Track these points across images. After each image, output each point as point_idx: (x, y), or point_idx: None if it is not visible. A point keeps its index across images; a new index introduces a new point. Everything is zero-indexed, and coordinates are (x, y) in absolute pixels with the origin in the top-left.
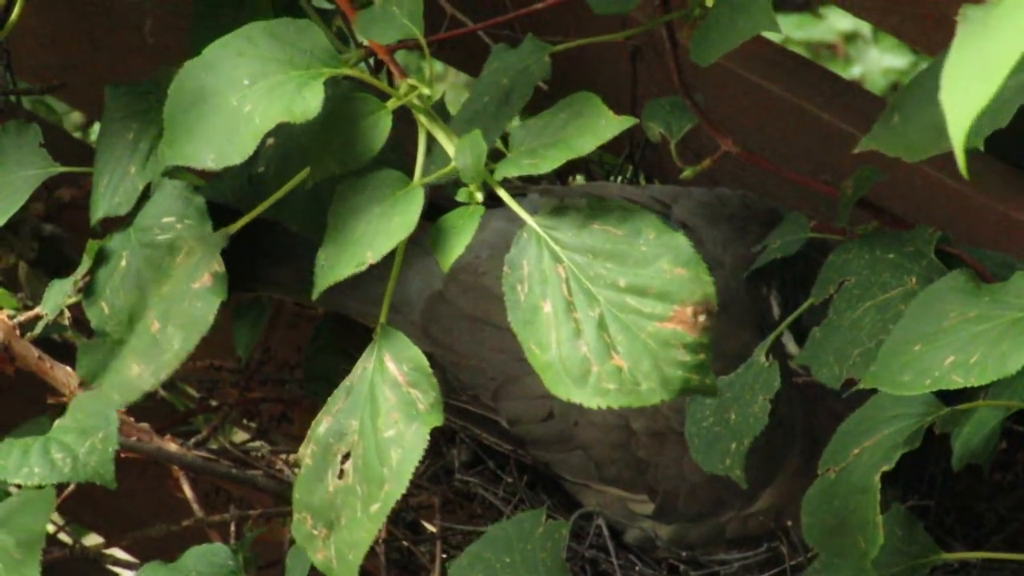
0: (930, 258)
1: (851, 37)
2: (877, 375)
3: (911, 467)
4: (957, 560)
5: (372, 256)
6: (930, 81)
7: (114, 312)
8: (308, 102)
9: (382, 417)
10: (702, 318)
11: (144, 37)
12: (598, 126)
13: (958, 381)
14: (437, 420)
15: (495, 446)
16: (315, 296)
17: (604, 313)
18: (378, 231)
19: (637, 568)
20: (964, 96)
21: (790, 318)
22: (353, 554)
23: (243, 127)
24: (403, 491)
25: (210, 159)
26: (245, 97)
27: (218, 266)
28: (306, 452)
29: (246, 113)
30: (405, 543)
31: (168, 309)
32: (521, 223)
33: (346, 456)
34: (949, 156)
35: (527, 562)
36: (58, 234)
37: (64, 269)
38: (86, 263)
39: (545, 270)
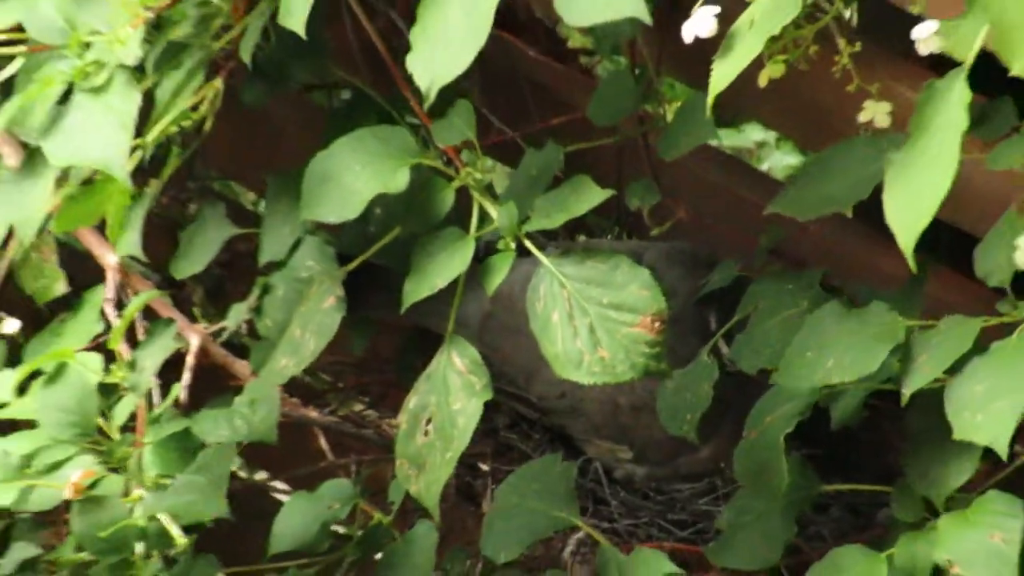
0: (817, 289)
1: (762, 144)
2: (783, 373)
3: (806, 429)
4: (833, 490)
5: (440, 283)
6: (814, 167)
7: (273, 324)
8: (399, 180)
9: (451, 395)
10: (658, 324)
11: (292, 140)
12: (590, 197)
13: (837, 378)
14: (488, 396)
15: (527, 414)
16: (403, 311)
17: (593, 321)
18: (444, 267)
19: (621, 495)
20: (908, 221)
21: (723, 329)
22: (435, 487)
23: (354, 196)
24: (466, 445)
25: (332, 216)
26: (357, 176)
27: (340, 292)
28: (402, 419)
29: (357, 187)
30: (467, 479)
31: (306, 321)
32: (540, 263)
33: (428, 421)
34: (833, 217)
35: (548, 489)
36: (222, 274)
37: (223, 295)
38: (255, 292)
39: (555, 293)
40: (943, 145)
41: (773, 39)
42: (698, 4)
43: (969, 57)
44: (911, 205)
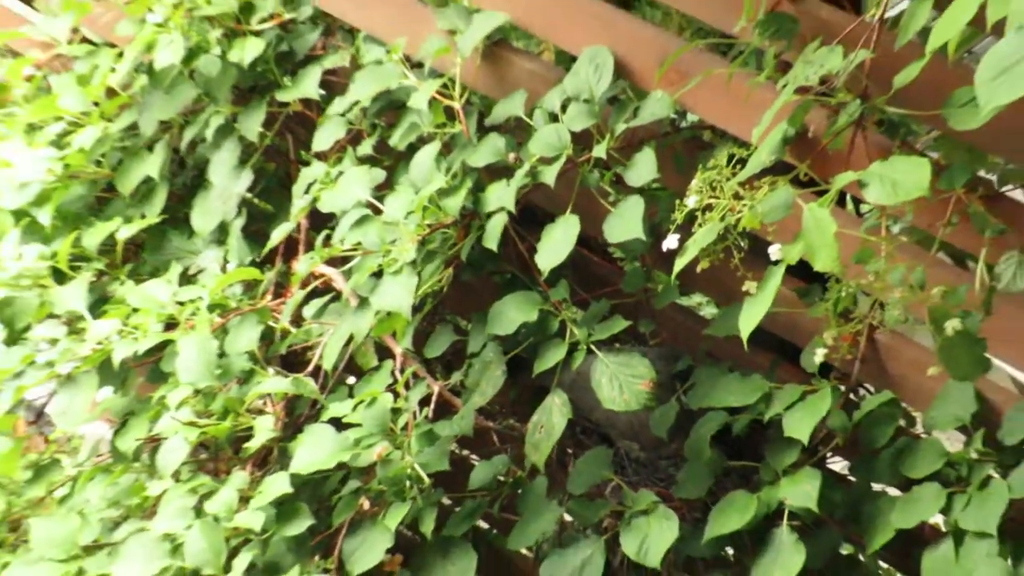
0: (725, 369)
1: (700, 303)
2: (710, 403)
3: (722, 436)
4: (733, 465)
5: (551, 364)
6: (726, 313)
7: (472, 382)
8: (532, 315)
9: (552, 415)
10: (651, 385)
11: (484, 295)
12: (620, 325)
13: (736, 404)
14: (569, 416)
15: (589, 427)
16: (533, 375)
17: (621, 383)
18: (553, 356)
19: (633, 466)
20: (746, 326)
21: (682, 388)
22: (543, 458)
23: (512, 322)
24: (557, 438)
25: (500, 331)
26: (514, 313)
27: (503, 368)
28: (529, 426)
29: (513, 317)
30: (560, 457)
31: (487, 381)
32: (597, 356)
33: (541, 427)
34: (735, 336)
35: (599, 462)
36: (451, 358)
37: (451, 367)
38: (465, 367)
39: (603, 369)
40: (767, 295)
41: (703, 249)
42: (670, 232)
43: (794, 258)
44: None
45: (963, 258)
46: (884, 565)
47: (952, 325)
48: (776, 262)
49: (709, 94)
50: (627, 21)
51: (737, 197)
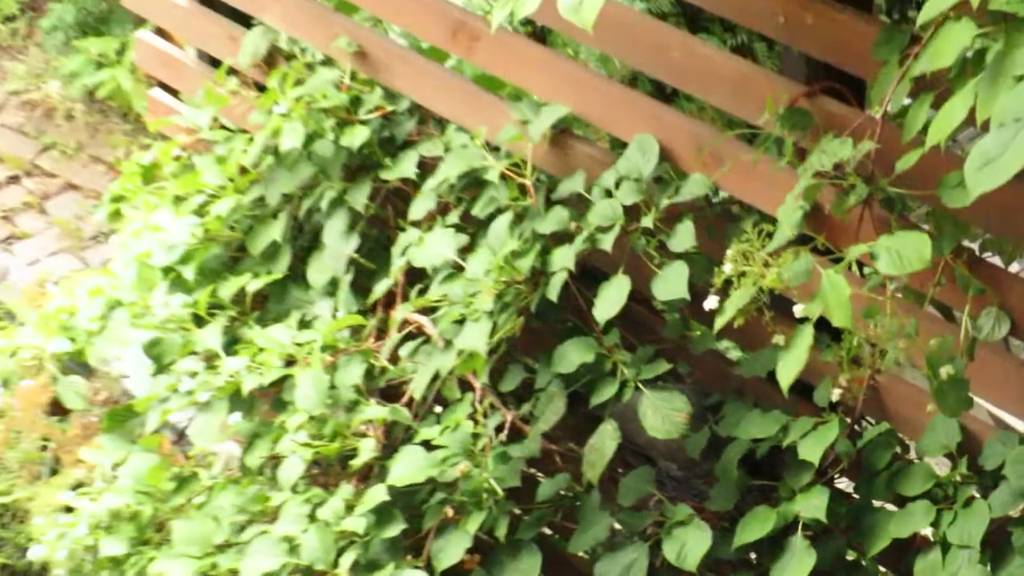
0: (750, 405)
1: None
2: (737, 432)
3: (747, 459)
4: (755, 483)
5: (605, 399)
6: (751, 358)
7: (539, 413)
8: (590, 358)
9: (605, 440)
10: (686, 416)
11: (550, 339)
12: (663, 366)
13: (760, 435)
14: (619, 440)
15: (636, 450)
16: (589, 408)
17: (663, 414)
18: (607, 391)
19: (672, 483)
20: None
21: (714, 419)
22: (597, 475)
23: (573, 363)
24: (608, 459)
25: (564, 370)
26: (575, 356)
27: (564, 400)
28: (586, 449)
29: (574, 360)
30: (611, 475)
31: (552, 409)
32: (644, 392)
33: (595, 449)
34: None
35: (644, 479)
36: (523, 393)
37: (521, 400)
38: (533, 400)
39: (647, 403)
40: (802, 351)
41: (739, 309)
42: (710, 294)
43: (815, 315)
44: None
45: (950, 312)
46: (882, 569)
47: (946, 370)
48: (802, 320)
49: (738, 175)
50: (669, 114)
51: (766, 265)
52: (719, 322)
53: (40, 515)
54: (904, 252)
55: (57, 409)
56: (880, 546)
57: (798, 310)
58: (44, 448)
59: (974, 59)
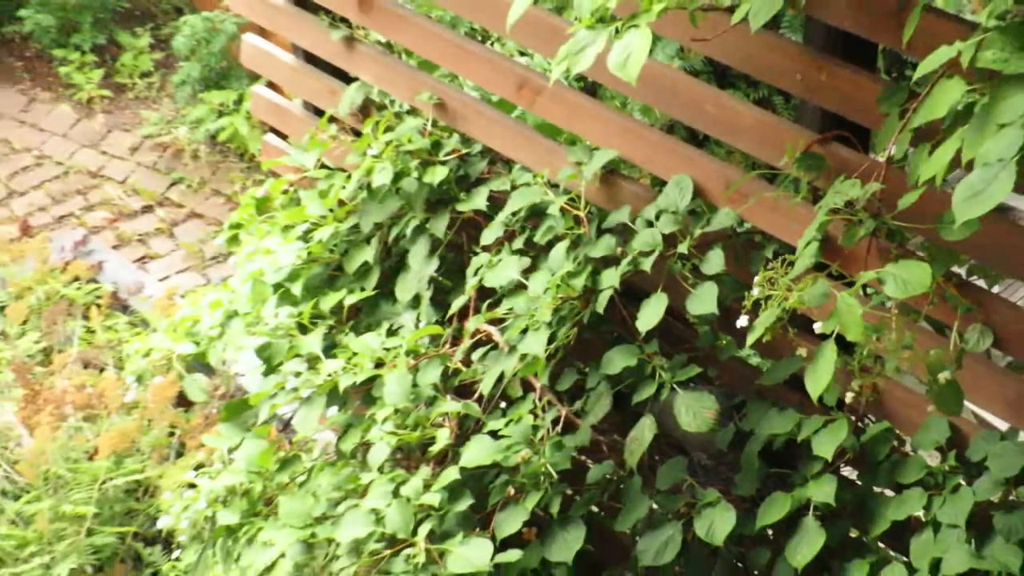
0: (770, 404)
1: None
2: (758, 427)
3: (767, 450)
4: (773, 472)
5: (645, 397)
6: (776, 364)
7: (590, 408)
8: (632, 362)
9: (644, 431)
10: (715, 414)
11: (597, 348)
12: (694, 371)
13: (778, 431)
14: (655, 432)
15: (672, 441)
16: (632, 406)
17: (695, 412)
18: (647, 391)
19: (702, 471)
20: (815, 387)
21: (737, 416)
22: (636, 461)
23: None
24: (646, 448)
25: (612, 371)
26: (624, 361)
27: (609, 398)
28: (628, 440)
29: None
30: (649, 462)
31: (600, 406)
32: (679, 392)
33: (635, 440)
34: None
35: (678, 468)
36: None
37: (575, 397)
38: (585, 398)
39: (681, 402)
40: (828, 365)
41: (767, 328)
42: (742, 314)
43: (831, 331)
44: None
45: (941, 327)
46: (882, 546)
47: (944, 376)
48: (821, 336)
49: (760, 209)
50: (701, 156)
51: (789, 289)
52: (751, 338)
53: (167, 490)
54: (908, 278)
55: (182, 402)
56: (881, 527)
57: (817, 327)
58: (171, 434)
59: (964, 110)
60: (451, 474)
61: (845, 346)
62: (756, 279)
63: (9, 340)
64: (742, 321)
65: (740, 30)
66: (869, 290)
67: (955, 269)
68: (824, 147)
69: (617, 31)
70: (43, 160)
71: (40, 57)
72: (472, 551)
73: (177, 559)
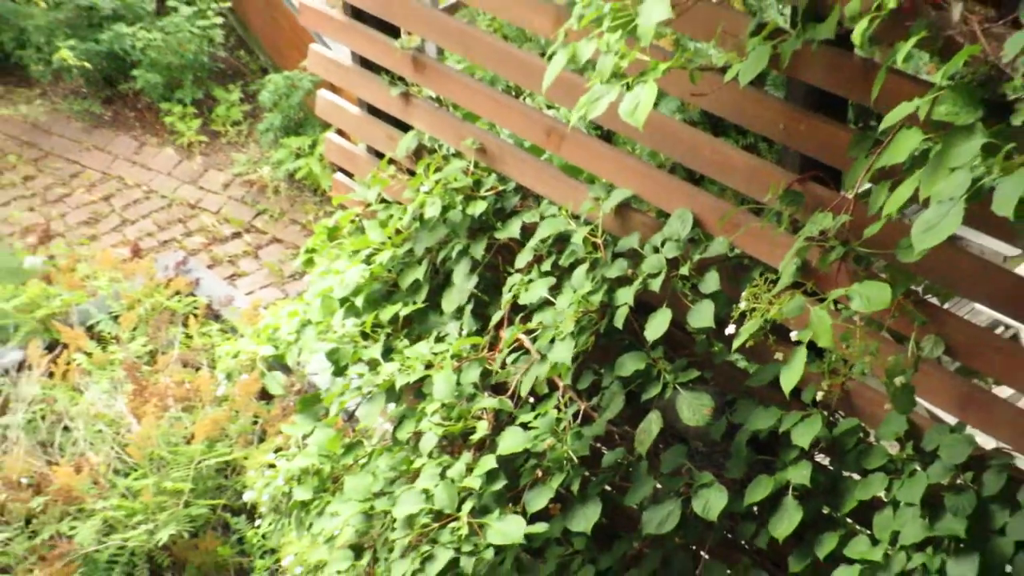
0: (757, 401)
1: None
2: (747, 421)
3: (754, 440)
4: (759, 459)
5: (650, 396)
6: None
7: (609, 411)
8: (640, 367)
9: (651, 424)
10: (711, 410)
11: (617, 349)
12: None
13: (762, 426)
14: (661, 427)
15: (674, 432)
16: (642, 403)
17: (694, 408)
18: (653, 390)
19: (699, 456)
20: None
21: (728, 411)
22: (646, 449)
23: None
24: (655, 437)
25: (624, 373)
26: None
27: (621, 400)
28: (638, 431)
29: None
30: (655, 449)
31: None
32: (680, 391)
33: (644, 431)
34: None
35: (679, 453)
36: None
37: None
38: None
39: (681, 399)
40: (799, 365)
41: (751, 335)
42: (731, 323)
43: (806, 340)
44: (789, 384)
45: (901, 337)
46: (849, 521)
47: (899, 380)
48: (797, 343)
49: (749, 238)
50: (699, 193)
51: (770, 303)
52: (736, 344)
53: (251, 470)
54: (872, 296)
55: (264, 395)
56: (849, 505)
57: (794, 335)
58: (255, 423)
59: (920, 156)
60: (489, 461)
61: (818, 352)
62: (743, 294)
63: (122, 343)
64: (731, 329)
65: (732, 87)
66: (839, 305)
67: (913, 288)
68: (802, 186)
69: (628, 85)
70: (151, 194)
71: (149, 109)
72: (507, 525)
73: (258, 527)
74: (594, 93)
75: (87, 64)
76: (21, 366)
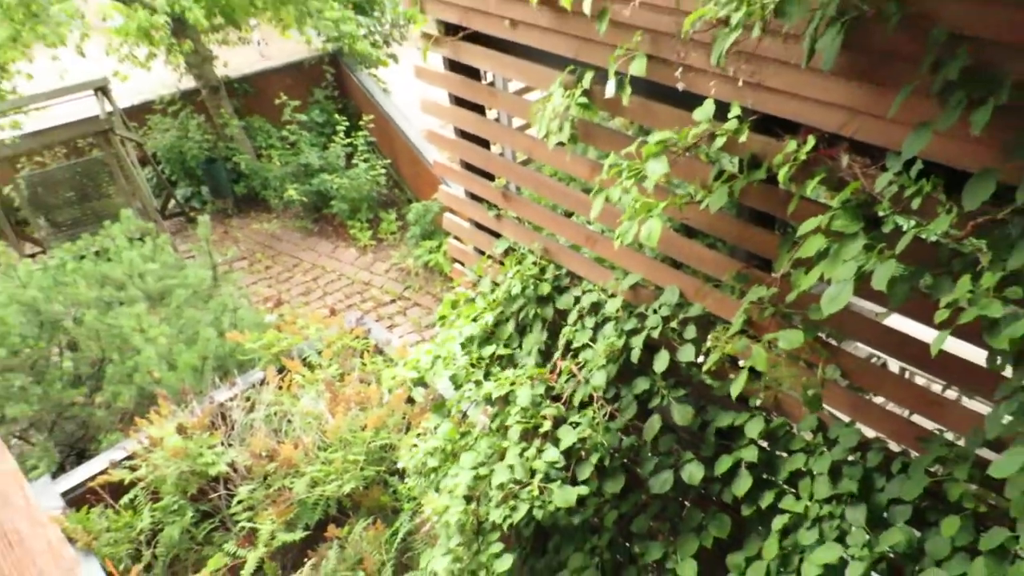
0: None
1: None
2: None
3: (720, 430)
4: (724, 443)
5: (655, 405)
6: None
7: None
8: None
9: (654, 422)
10: (693, 413)
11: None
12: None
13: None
14: (661, 423)
15: (669, 426)
16: (650, 408)
17: (681, 411)
18: (654, 401)
19: (685, 441)
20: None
21: (704, 414)
22: (652, 436)
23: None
24: (657, 430)
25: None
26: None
27: (633, 412)
28: (646, 425)
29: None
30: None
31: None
32: (672, 402)
33: (649, 427)
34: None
35: (670, 439)
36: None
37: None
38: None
39: (674, 406)
40: (740, 381)
41: (715, 361)
42: (702, 355)
43: (748, 366)
44: (735, 391)
45: (812, 364)
46: (783, 484)
47: (811, 392)
48: (743, 368)
49: (714, 302)
50: (683, 275)
51: (727, 343)
52: (705, 368)
53: (402, 448)
54: (791, 339)
55: (410, 401)
56: (783, 475)
57: (742, 363)
58: (404, 418)
59: (824, 251)
60: (553, 452)
61: (757, 375)
62: (709, 337)
63: (323, 369)
64: (700, 360)
65: (704, 211)
66: (771, 345)
67: (819, 334)
68: (747, 270)
69: (643, 220)
70: (341, 277)
71: (341, 225)
72: (564, 492)
73: (406, 484)
74: (624, 228)
75: (304, 198)
76: (262, 382)
